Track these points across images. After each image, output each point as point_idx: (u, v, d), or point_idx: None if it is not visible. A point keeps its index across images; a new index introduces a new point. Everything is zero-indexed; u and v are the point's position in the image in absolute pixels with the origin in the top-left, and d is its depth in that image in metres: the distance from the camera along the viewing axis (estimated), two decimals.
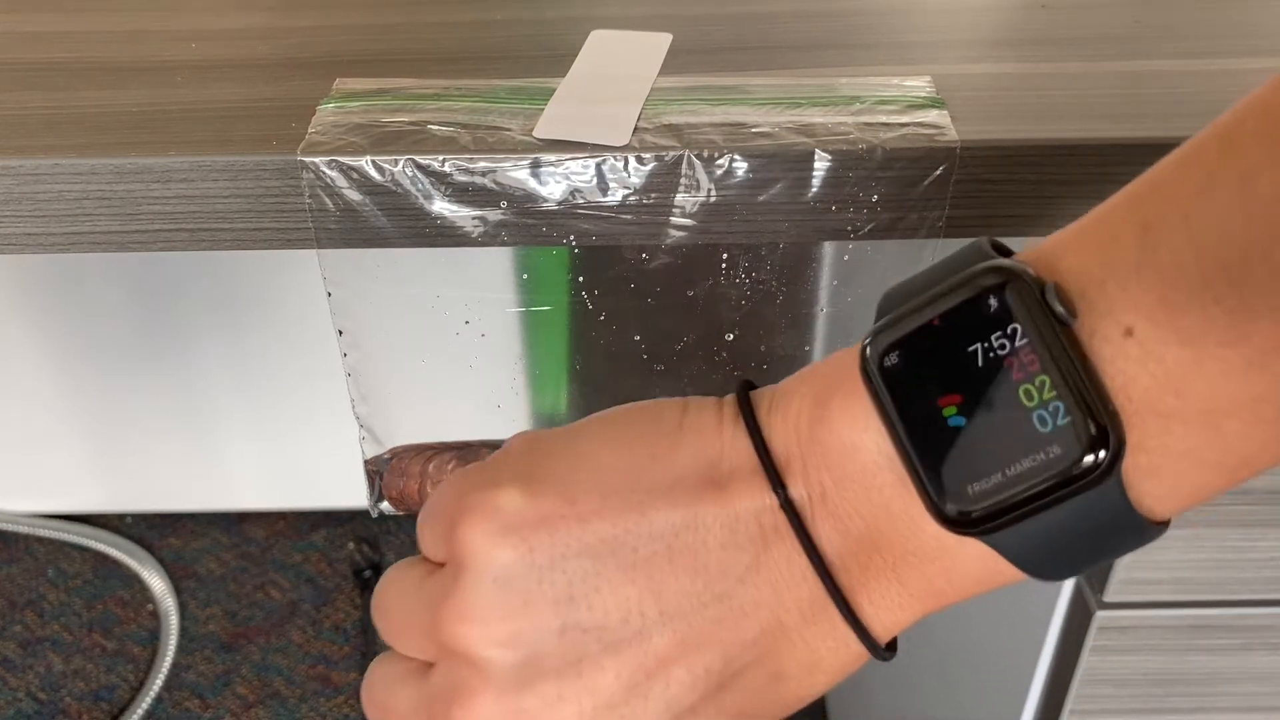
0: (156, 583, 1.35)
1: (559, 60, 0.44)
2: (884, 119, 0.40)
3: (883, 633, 0.29)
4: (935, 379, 0.26)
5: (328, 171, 0.39)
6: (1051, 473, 0.25)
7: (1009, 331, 0.25)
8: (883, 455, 0.27)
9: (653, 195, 0.40)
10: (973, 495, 0.26)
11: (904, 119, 0.40)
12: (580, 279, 0.54)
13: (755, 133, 0.40)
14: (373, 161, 0.39)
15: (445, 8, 0.48)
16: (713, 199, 0.40)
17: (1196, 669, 0.54)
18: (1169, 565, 0.50)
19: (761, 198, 0.40)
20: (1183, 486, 0.26)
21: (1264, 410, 0.24)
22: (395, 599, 0.32)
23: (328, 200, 0.40)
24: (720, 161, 0.39)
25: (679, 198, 0.40)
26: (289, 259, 1.16)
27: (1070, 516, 0.25)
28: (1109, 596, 0.51)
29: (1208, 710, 0.56)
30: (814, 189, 0.40)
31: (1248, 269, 0.23)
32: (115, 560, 1.38)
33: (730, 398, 0.30)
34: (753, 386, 0.30)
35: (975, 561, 0.27)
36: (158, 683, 1.25)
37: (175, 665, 1.27)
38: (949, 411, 0.26)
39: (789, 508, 0.28)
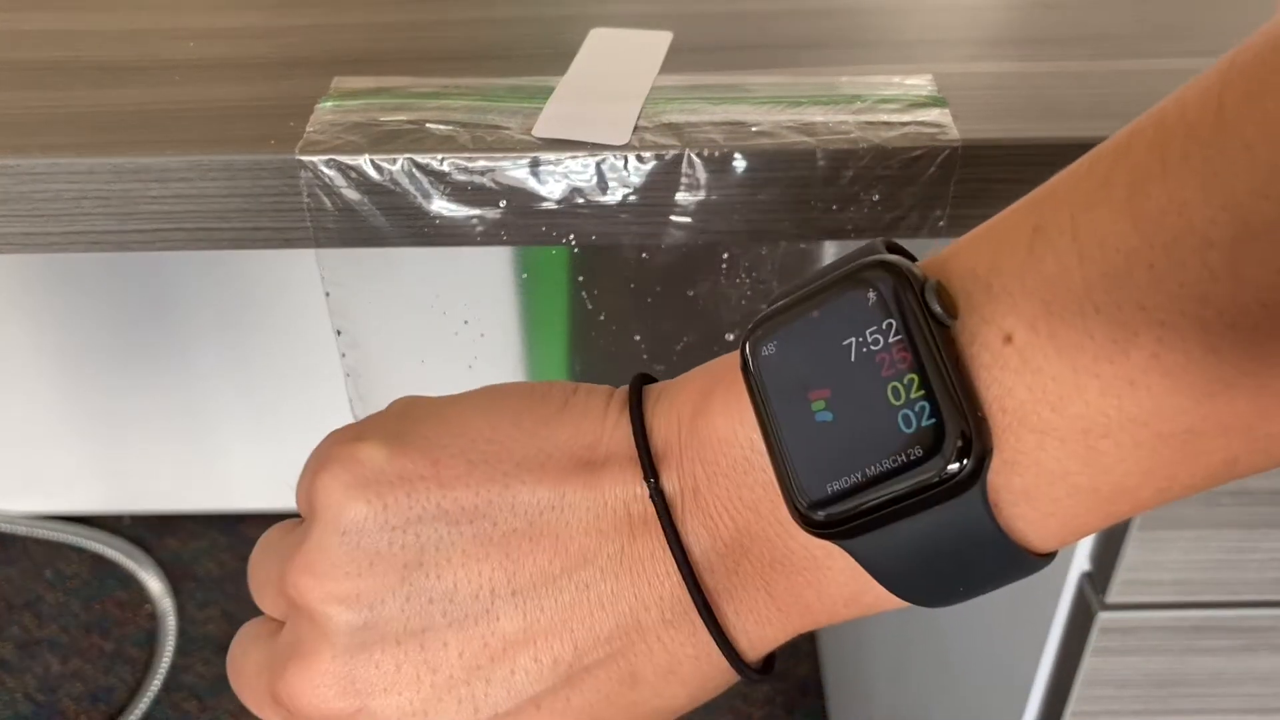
0: (154, 584, 1.34)
1: (558, 59, 0.44)
2: (885, 118, 0.40)
3: (748, 647, 0.28)
4: (809, 372, 0.25)
5: (326, 171, 0.39)
6: (910, 477, 0.24)
7: (883, 327, 0.24)
8: (755, 452, 0.26)
9: (653, 194, 0.40)
10: (831, 494, 0.25)
11: (905, 118, 0.40)
12: (580, 279, 0.54)
13: (756, 131, 0.40)
14: (371, 160, 0.39)
15: (444, 6, 0.48)
16: (713, 198, 0.40)
17: (1198, 670, 0.54)
18: (1171, 566, 0.50)
19: (762, 197, 0.40)
20: (1058, 514, 0.24)
21: (1141, 434, 0.23)
22: (260, 554, 0.31)
23: (326, 199, 0.40)
24: (720, 160, 0.39)
25: (679, 197, 0.40)
26: (287, 259, 1.16)
27: (932, 529, 0.24)
28: (1111, 598, 0.51)
29: (1210, 712, 0.56)
30: (815, 188, 0.40)
31: (1130, 278, 0.22)
32: (113, 561, 1.37)
33: (623, 387, 0.29)
34: (650, 380, 0.29)
35: (844, 575, 0.26)
36: (155, 684, 1.25)
37: (173, 667, 1.27)
38: (817, 406, 0.25)
39: (658, 498, 0.27)
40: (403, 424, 0.29)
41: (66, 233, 0.41)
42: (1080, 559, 0.52)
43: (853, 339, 0.25)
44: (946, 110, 0.40)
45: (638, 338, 0.56)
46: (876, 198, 0.40)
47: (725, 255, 0.51)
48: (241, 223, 0.41)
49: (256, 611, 0.31)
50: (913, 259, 0.26)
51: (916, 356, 0.24)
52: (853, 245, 0.51)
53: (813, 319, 0.25)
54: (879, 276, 0.25)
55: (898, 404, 0.24)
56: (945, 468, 0.23)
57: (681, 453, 0.27)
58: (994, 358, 0.23)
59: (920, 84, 0.42)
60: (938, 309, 0.24)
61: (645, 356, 0.57)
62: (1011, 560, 0.25)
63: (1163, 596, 0.51)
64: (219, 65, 0.44)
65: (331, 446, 0.29)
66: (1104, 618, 0.52)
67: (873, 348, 0.24)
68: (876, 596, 0.27)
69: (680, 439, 0.27)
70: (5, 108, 0.42)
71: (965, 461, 0.23)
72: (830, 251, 0.60)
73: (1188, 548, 0.50)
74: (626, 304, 0.54)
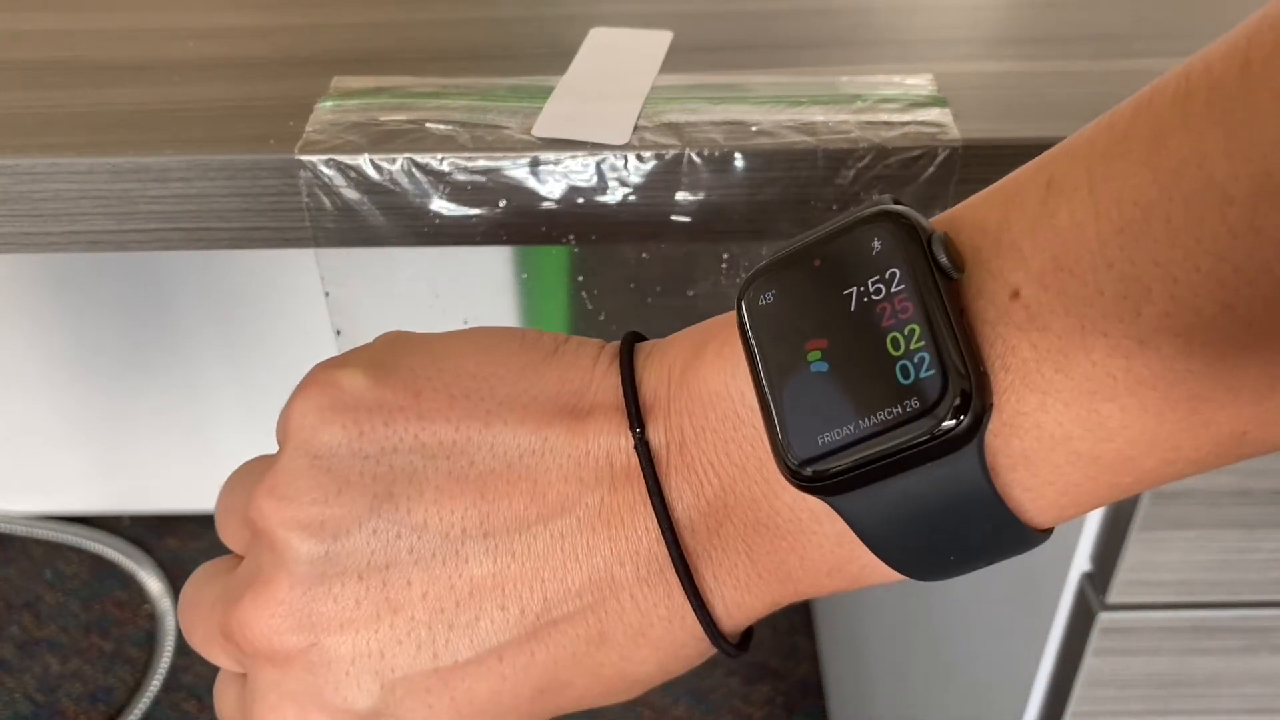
0: (154, 584, 1.34)
1: (558, 58, 0.44)
2: (886, 117, 0.40)
3: (724, 614, 0.27)
4: (807, 322, 0.24)
5: (325, 170, 0.39)
6: (906, 431, 0.23)
7: (886, 276, 0.23)
8: (745, 407, 0.25)
9: (653, 194, 0.40)
10: (822, 446, 0.23)
11: (906, 117, 0.40)
12: (580, 279, 0.54)
13: (756, 131, 0.39)
14: (371, 160, 0.39)
15: (444, 5, 0.48)
16: (713, 198, 0.40)
17: (1200, 671, 0.54)
18: (1172, 566, 0.50)
19: (762, 196, 0.40)
20: (1057, 482, 0.23)
21: (1148, 398, 0.22)
22: (229, 483, 0.30)
23: (325, 199, 0.40)
24: (720, 160, 0.39)
25: (679, 197, 0.40)
26: (287, 258, 1.16)
27: (925, 488, 0.23)
28: (1112, 598, 0.51)
29: (1211, 712, 0.56)
30: (815, 188, 0.40)
31: (1146, 231, 0.21)
32: (112, 562, 1.37)
33: (615, 341, 0.29)
34: (641, 338, 0.29)
35: (830, 541, 0.25)
36: (155, 684, 1.25)
37: (173, 667, 1.27)
38: (813, 356, 0.24)
39: (643, 449, 0.26)
40: (388, 354, 0.28)
41: (65, 232, 0.41)
42: (1081, 559, 0.52)
43: (854, 288, 0.24)
44: (947, 110, 0.40)
45: None
46: (876, 198, 0.40)
47: (725, 255, 0.51)
48: (241, 222, 0.41)
49: None
50: (918, 214, 0.25)
51: (920, 306, 0.23)
52: None
53: (813, 267, 0.25)
54: (884, 226, 0.24)
55: (897, 354, 0.23)
56: (942, 422, 0.22)
57: (669, 405, 0.26)
58: (999, 313, 0.23)
59: (921, 83, 0.42)
60: (944, 260, 0.23)
61: None
62: (1007, 530, 0.24)
63: (1163, 597, 0.51)
64: (218, 65, 0.44)
65: (314, 372, 0.28)
66: (1104, 618, 0.52)
67: (874, 297, 0.23)
68: (862, 566, 0.26)
69: (669, 392, 0.27)
70: (5, 107, 0.41)
71: (963, 417, 0.22)
72: None
73: (1189, 548, 0.50)
74: (626, 304, 0.54)
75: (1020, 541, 0.24)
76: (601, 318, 0.55)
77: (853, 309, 0.24)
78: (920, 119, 0.40)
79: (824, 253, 0.25)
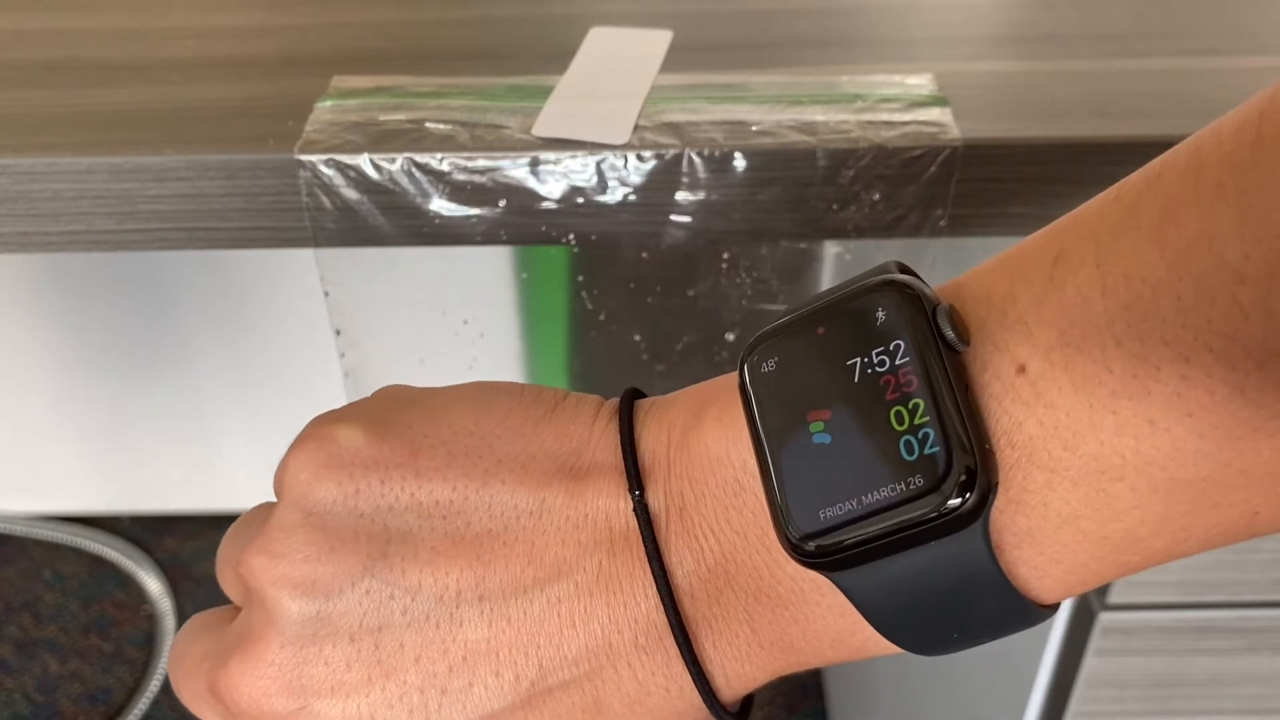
0: (153, 584, 1.34)
1: (558, 58, 0.44)
2: (886, 117, 0.40)
3: (724, 684, 0.26)
4: (809, 391, 0.24)
5: (325, 170, 0.39)
6: (910, 509, 0.22)
7: (891, 348, 0.23)
8: (746, 473, 0.25)
9: (653, 194, 0.40)
10: (824, 522, 0.23)
11: (906, 117, 0.40)
12: (580, 279, 0.54)
13: (756, 131, 0.39)
14: (370, 160, 0.39)
15: (444, 4, 0.48)
16: (713, 198, 0.40)
17: (1200, 671, 0.54)
18: (1172, 567, 0.50)
19: (762, 196, 0.40)
20: (1063, 560, 0.23)
21: (1158, 479, 0.21)
22: (230, 533, 0.29)
23: (325, 199, 0.40)
24: (721, 160, 0.39)
25: (679, 196, 0.40)
26: (286, 258, 1.16)
27: (928, 566, 0.23)
28: (1112, 598, 0.51)
29: (1211, 713, 0.55)
30: (815, 188, 0.40)
31: (1155, 310, 0.21)
32: (112, 562, 1.37)
33: (615, 399, 0.28)
34: (640, 395, 0.28)
35: (832, 613, 0.25)
36: (154, 685, 1.25)
37: None
38: (815, 428, 0.24)
39: (642, 512, 0.25)
40: (386, 409, 0.28)
41: (65, 232, 0.41)
42: None
43: (857, 359, 0.23)
44: (947, 109, 0.40)
45: (638, 338, 0.56)
46: (877, 197, 0.40)
47: (725, 255, 0.51)
48: (240, 222, 0.41)
49: None
50: (924, 283, 0.25)
51: (924, 380, 0.22)
52: (853, 245, 0.51)
53: (816, 336, 0.24)
54: (888, 296, 0.24)
55: (900, 429, 0.23)
56: (946, 501, 0.22)
57: (669, 468, 0.26)
58: (1005, 388, 0.22)
59: (921, 83, 0.42)
60: (949, 333, 0.23)
61: (645, 356, 0.56)
62: (1012, 608, 0.24)
63: (1164, 597, 0.51)
64: (218, 64, 0.44)
65: (311, 426, 0.28)
66: (1105, 618, 0.51)
67: (878, 369, 0.23)
68: (865, 638, 0.25)
69: (669, 454, 0.26)
70: (3, 107, 0.41)
71: (968, 496, 0.22)
72: (830, 251, 0.60)
73: None
74: (626, 304, 0.54)
75: (1024, 617, 0.24)
76: (601, 318, 0.55)
77: (856, 380, 0.23)
78: (921, 119, 0.40)
79: (828, 321, 0.24)
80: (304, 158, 0.39)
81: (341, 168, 0.39)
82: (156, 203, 0.40)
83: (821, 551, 0.23)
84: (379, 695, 0.26)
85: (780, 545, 0.24)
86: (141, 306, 1.22)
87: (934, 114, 0.40)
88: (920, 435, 0.22)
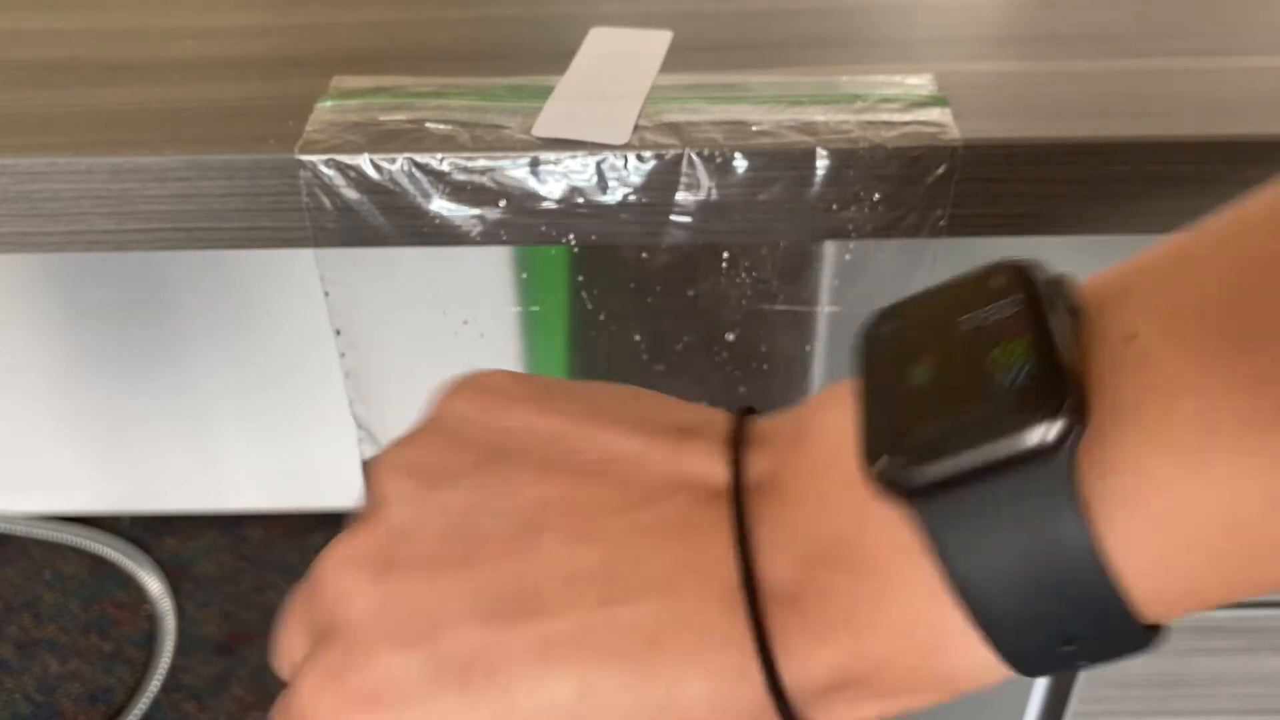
0: (153, 584, 1.34)
1: (558, 58, 0.44)
2: (886, 117, 0.40)
3: (785, 658, 0.25)
4: (919, 344, 0.25)
5: (325, 170, 0.39)
6: (994, 428, 0.22)
7: (1003, 304, 0.24)
8: (847, 443, 0.25)
9: (653, 194, 0.40)
10: (906, 445, 0.23)
11: (906, 117, 0.40)
12: (580, 279, 0.54)
13: (756, 131, 0.39)
14: (371, 160, 0.39)
15: (444, 5, 0.48)
16: (713, 198, 0.40)
17: (1200, 671, 0.54)
18: None
19: (762, 196, 0.40)
20: (1165, 530, 0.22)
21: (1260, 443, 0.21)
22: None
23: (325, 199, 0.40)
24: (721, 160, 0.39)
25: (679, 196, 0.40)
26: (286, 258, 1.16)
27: (1011, 505, 0.23)
28: None
29: (1210, 712, 0.55)
30: (815, 188, 0.40)
31: (1272, 283, 0.22)
32: (112, 562, 1.37)
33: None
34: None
35: (916, 595, 0.24)
36: (155, 685, 1.25)
37: (172, 667, 1.26)
38: (918, 369, 0.24)
39: (736, 472, 0.26)
40: (532, 375, 0.31)
41: (65, 232, 0.41)
42: None
43: (970, 314, 0.25)
44: (947, 109, 0.40)
45: (638, 338, 0.56)
46: (877, 197, 0.40)
47: (725, 255, 0.51)
48: (240, 222, 0.41)
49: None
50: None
51: (1030, 327, 0.23)
52: (853, 245, 0.51)
53: (933, 301, 0.26)
54: (1005, 267, 0.25)
55: (998, 364, 0.23)
56: (1032, 423, 0.22)
57: (774, 443, 0.27)
58: (1112, 354, 0.23)
59: (921, 83, 0.42)
60: (1063, 296, 0.24)
61: (645, 356, 0.56)
62: (1111, 606, 0.23)
63: None
64: (218, 64, 0.44)
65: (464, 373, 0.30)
66: None
67: (987, 321, 0.24)
68: (953, 650, 0.26)
69: (776, 428, 0.27)
70: (4, 107, 0.41)
71: (1055, 422, 0.22)
72: (830, 251, 0.60)
73: None
74: (626, 304, 0.54)
75: (1127, 622, 0.23)
76: (601, 318, 0.55)
77: (965, 330, 0.24)
78: (921, 119, 0.40)
79: (947, 290, 0.26)
80: (304, 158, 0.39)
81: (342, 168, 0.39)
82: (156, 203, 0.40)
83: (902, 474, 0.23)
84: (450, 583, 0.27)
85: (867, 505, 0.24)
86: (142, 307, 1.22)
87: (934, 114, 0.40)
88: (1017, 369, 0.23)
